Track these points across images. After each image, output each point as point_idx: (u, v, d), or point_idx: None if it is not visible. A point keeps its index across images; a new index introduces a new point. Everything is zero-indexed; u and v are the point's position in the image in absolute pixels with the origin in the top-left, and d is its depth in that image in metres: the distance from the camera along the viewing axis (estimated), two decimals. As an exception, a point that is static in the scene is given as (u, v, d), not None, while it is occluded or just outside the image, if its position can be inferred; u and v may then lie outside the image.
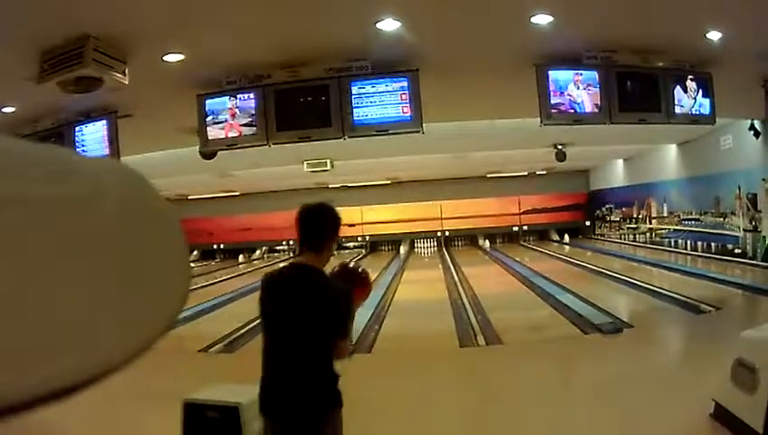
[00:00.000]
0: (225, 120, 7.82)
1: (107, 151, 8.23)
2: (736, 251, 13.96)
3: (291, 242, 25.40)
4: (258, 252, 25.42)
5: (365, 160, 14.98)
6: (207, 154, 8.64)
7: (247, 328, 9.53)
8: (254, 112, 7.73)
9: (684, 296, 9.90)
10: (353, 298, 2.89)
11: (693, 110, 8.22)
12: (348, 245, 24.59)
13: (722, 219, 14.85)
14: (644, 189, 19.83)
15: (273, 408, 2.83)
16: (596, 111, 7.89)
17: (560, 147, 14.62)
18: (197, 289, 14.16)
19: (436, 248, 24.58)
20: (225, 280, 17.71)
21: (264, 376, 2.84)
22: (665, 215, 18.50)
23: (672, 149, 17.23)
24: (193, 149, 8.64)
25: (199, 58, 7.17)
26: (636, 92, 7.97)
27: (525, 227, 25.10)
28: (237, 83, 7.76)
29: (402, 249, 23.94)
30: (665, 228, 18.52)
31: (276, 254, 25.58)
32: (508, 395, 5.92)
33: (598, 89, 7.83)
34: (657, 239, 19.01)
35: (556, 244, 23.81)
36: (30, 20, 5.63)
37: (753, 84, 9.32)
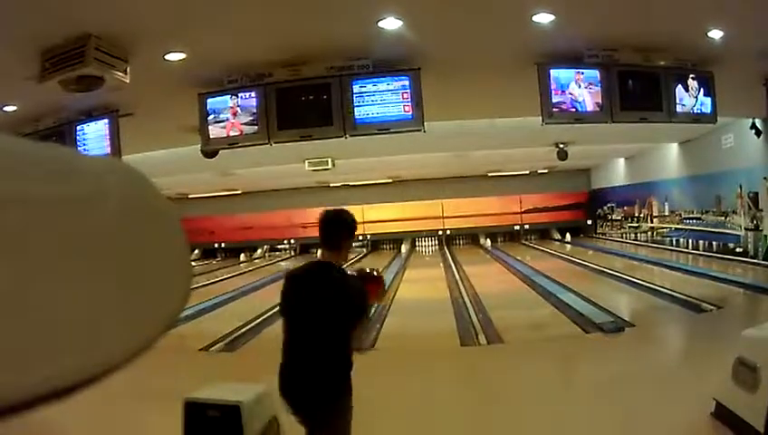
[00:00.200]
0: (227, 119, 7.82)
1: (108, 150, 8.23)
2: (738, 250, 13.96)
3: (292, 241, 25.42)
4: (259, 251, 25.43)
5: (366, 159, 14.99)
6: (209, 153, 8.64)
7: (248, 327, 9.55)
8: (255, 111, 7.73)
9: (685, 295, 9.90)
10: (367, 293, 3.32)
11: (694, 108, 8.21)
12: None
13: (723, 218, 14.84)
14: (645, 188, 19.82)
15: (290, 390, 3.17)
16: (597, 109, 7.88)
17: (561, 146, 14.61)
18: (198, 288, 14.17)
19: (437, 247, 24.58)
20: (226, 279, 17.73)
21: (284, 361, 3.19)
22: (666, 214, 18.50)
23: (673, 148, 17.22)
24: (194, 147, 8.65)
25: (200, 57, 7.17)
26: (637, 91, 7.96)
27: (527, 226, 25.10)
28: (239, 82, 7.76)
29: (403, 248, 23.95)
30: (666, 227, 18.51)
31: (277, 252, 25.59)
32: (509, 394, 5.92)
33: (599, 87, 7.82)
34: (659, 238, 19.00)
35: (557, 243, 23.80)
36: (31, 19, 5.63)
37: (755, 83, 9.31)
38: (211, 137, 7.95)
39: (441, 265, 18.81)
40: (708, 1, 6.64)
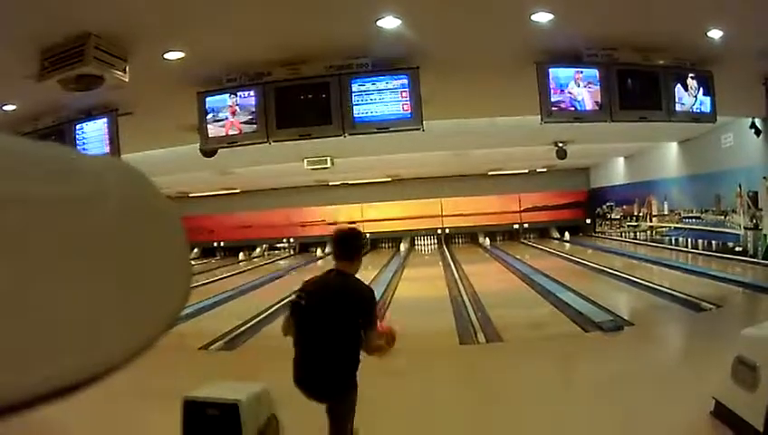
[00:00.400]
0: (226, 118, 7.81)
1: (107, 149, 8.22)
2: (737, 249, 13.97)
3: (291, 239, 25.42)
4: (258, 249, 25.43)
5: (365, 158, 14.98)
6: (208, 152, 8.64)
7: (247, 326, 9.56)
8: (254, 110, 7.73)
9: (684, 294, 9.91)
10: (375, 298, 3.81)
11: (694, 108, 8.21)
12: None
13: (723, 217, 14.86)
14: (645, 187, 19.82)
15: (304, 381, 3.54)
16: (596, 108, 7.88)
17: (560, 145, 14.62)
18: (198, 287, 14.17)
19: (436, 246, 24.59)
20: (225, 278, 17.74)
21: (298, 354, 3.59)
22: (665, 213, 18.51)
23: (673, 147, 17.23)
24: (193, 146, 8.64)
25: (200, 56, 7.17)
26: (636, 90, 7.95)
27: (526, 225, 25.11)
28: (238, 81, 7.75)
29: (402, 247, 23.95)
30: (665, 226, 18.52)
31: (276, 251, 25.59)
32: (508, 393, 5.92)
33: (598, 86, 7.82)
34: (658, 237, 19.01)
35: (557, 241, 23.81)
36: (31, 18, 5.63)
37: (754, 82, 9.30)
38: (210, 136, 7.95)
39: (440, 263, 18.82)
40: (708, 1, 6.64)
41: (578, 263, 16.38)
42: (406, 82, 7.58)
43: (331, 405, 3.57)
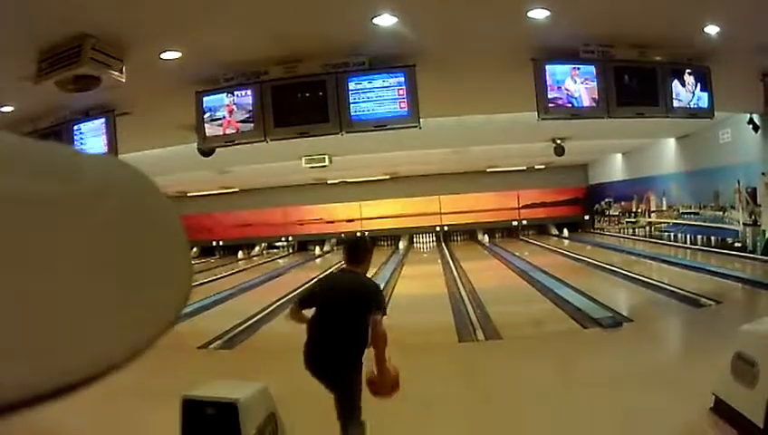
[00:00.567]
0: (223, 117, 7.80)
1: (105, 149, 8.21)
2: (736, 245, 13.99)
3: (290, 238, 25.41)
4: (257, 248, 25.43)
5: (363, 156, 14.98)
6: (205, 151, 8.64)
7: (246, 325, 9.56)
8: (251, 109, 7.72)
9: (683, 290, 9.93)
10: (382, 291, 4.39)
11: (691, 104, 8.21)
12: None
13: (721, 213, 14.88)
14: (643, 183, 19.84)
15: (315, 360, 3.98)
16: (594, 105, 7.88)
17: (558, 141, 14.63)
18: (197, 286, 14.15)
19: (435, 243, 24.61)
20: (224, 277, 17.74)
21: (310, 339, 4.05)
22: (664, 209, 18.53)
23: (671, 143, 17.24)
24: (191, 146, 8.64)
25: (196, 55, 7.15)
26: (634, 86, 7.95)
27: (524, 222, 25.13)
28: (235, 80, 7.74)
29: (401, 244, 23.95)
30: (664, 222, 18.54)
31: (275, 250, 25.58)
32: (507, 390, 5.93)
33: (595, 83, 7.81)
34: (657, 233, 19.03)
35: (555, 238, 23.84)
36: (27, 19, 5.61)
37: (752, 78, 9.30)
38: (207, 135, 7.94)
39: (439, 261, 18.83)
40: (704, -4, 6.65)
41: (577, 259, 16.39)
42: (402, 79, 7.57)
43: (340, 385, 3.93)
